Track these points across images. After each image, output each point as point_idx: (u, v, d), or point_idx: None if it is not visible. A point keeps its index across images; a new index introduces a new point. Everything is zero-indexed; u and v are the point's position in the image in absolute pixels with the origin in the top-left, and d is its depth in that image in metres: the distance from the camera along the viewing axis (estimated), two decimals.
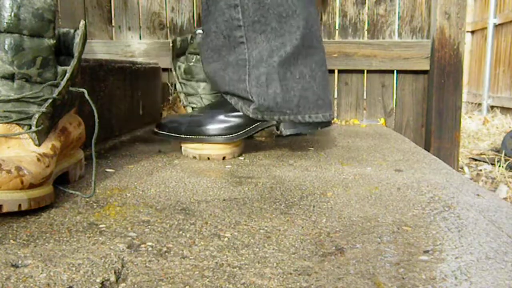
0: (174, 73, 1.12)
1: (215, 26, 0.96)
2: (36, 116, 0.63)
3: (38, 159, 0.61)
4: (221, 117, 0.97)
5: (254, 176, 0.82)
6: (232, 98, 0.98)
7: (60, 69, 0.67)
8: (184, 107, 1.12)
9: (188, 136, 0.95)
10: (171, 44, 1.13)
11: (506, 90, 3.83)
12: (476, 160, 2.06)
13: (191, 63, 1.10)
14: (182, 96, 1.09)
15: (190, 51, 1.10)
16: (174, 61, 1.14)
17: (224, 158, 0.96)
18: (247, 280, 0.42)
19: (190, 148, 0.96)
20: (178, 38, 1.13)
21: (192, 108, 1.09)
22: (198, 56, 1.09)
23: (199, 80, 1.09)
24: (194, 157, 0.96)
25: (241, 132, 0.96)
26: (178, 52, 1.15)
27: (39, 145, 0.64)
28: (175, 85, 1.17)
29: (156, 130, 0.99)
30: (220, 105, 1.00)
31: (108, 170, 0.85)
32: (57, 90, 0.66)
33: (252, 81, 0.94)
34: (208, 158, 0.96)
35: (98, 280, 0.41)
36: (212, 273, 0.44)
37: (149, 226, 0.56)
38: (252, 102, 0.95)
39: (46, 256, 0.46)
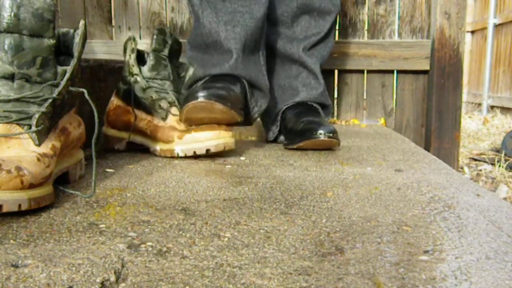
0: (133, 69, 1.02)
1: None
2: (36, 116, 0.63)
3: (38, 159, 0.61)
4: None
5: (254, 176, 0.82)
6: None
7: (60, 69, 0.67)
8: (152, 100, 1.02)
9: None
10: (134, 46, 1.04)
11: (506, 90, 3.83)
12: (476, 160, 2.06)
13: (156, 61, 1.05)
14: (152, 92, 1.02)
15: (155, 48, 1.05)
16: (133, 59, 1.04)
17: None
18: (247, 280, 0.42)
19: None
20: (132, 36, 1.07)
21: (169, 103, 1.01)
22: (161, 54, 1.05)
23: (163, 78, 1.04)
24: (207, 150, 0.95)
25: None
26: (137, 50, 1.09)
27: (39, 145, 0.64)
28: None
29: None
30: None
31: (108, 170, 0.85)
32: (57, 90, 0.66)
33: None
34: (224, 148, 0.95)
35: (98, 280, 0.41)
36: (212, 273, 0.44)
37: (149, 226, 0.56)
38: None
39: (46, 256, 0.46)
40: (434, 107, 1.60)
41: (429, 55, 1.62)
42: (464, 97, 4.41)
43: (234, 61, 1.04)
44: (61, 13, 1.78)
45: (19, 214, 0.58)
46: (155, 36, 1.03)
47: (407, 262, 0.46)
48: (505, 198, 1.47)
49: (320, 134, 1.02)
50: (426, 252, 0.49)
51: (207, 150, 0.94)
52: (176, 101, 1.01)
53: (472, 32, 4.53)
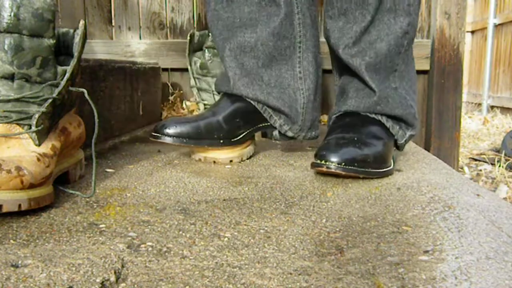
0: (189, 67, 1.11)
1: None
2: (36, 116, 0.63)
3: (38, 159, 0.61)
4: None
5: (254, 176, 0.82)
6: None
7: (60, 69, 0.67)
8: (196, 103, 1.10)
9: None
10: (188, 38, 1.10)
11: (506, 90, 3.83)
12: (476, 160, 2.06)
13: (208, 58, 1.08)
14: (195, 91, 1.07)
15: (208, 45, 1.09)
16: (191, 56, 1.12)
17: (231, 161, 0.95)
18: (247, 280, 0.42)
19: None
20: (196, 33, 1.11)
21: (204, 105, 1.06)
22: (215, 51, 1.08)
23: (214, 76, 1.08)
24: (199, 160, 0.95)
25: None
26: (195, 47, 1.13)
27: (39, 145, 0.64)
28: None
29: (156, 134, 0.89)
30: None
31: (108, 170, 0.85)
32: (57, 90, 0.66)
33: None
34: (214, 162, 0.94)
35: (98, 280, 0.41)
36: (212, 273, 0.44)
37: (149, 226, 0.56)
38: None
39: (46, 256, 0.46)
40: (434, 107, 1.60)
41: (429, 55, 1.62)
42: (464, 97, 4.41)
43: (232, 80, 0.96)
44: (61, 13, 1.78)
45: (19, 214, 0.58)
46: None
47: (407, 262, 0.46)
48: (505, 198, 1.46)
49: (325, 162, 0.79)
50: (426, 252, 0.49)
51: (214, 162, 0.94)
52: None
53: (472, 32, 4.53)
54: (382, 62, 0.90)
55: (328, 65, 1.34)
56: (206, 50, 1.09)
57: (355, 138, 0.83)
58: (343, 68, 0.98)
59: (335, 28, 0.93)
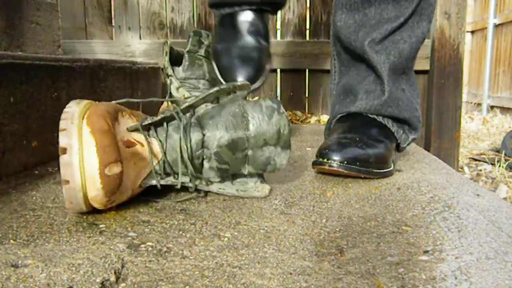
0: (168, 71, 1.09)
1: None
2: None
3: None
4: None
5: None
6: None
7: None
8: (184, 99, 1.09)
9: None
10: (167, 49, 1.09)
11: (506, 90, 3.83)
12: (476, 160, 2.06)
13: (190, 61, 1.10)
14: (184, 91, 1.08)
15: (190, 49, 1.10)
16: (167, 61, 1.11)
17: None
18: (247, 280, 0.42)
19: None
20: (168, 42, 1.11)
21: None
22: (196, 54, 1.09)
23: (198, 77, 1.09)
24: None
25: None
26: (175, 58, 1.13)
27: None
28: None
29: None
30: None
31: None
32: None
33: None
34: None
35: (98, 280, 0.41)
36: (212, 273, 0.44)
37: (149, 226, 0.56)
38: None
39: (46, 256, 0.46)
40: (434, 107, 1.60)
41: (429, 55, 1.62)
42: (464, 97, 4.41)
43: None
44: (61, 13, 1.78)
45: (19, 214, 0.58)
46: (190, 38, 1.08)
47: (407, 262, 0.46)
48: (505, 198, 1.46)
49: (327, 160, 0.78)
50: (426, 252, 0.49)
51: None
52: None
53: (472, 32, 4.53)
54: (402, 63, 0.90)
55: (327, 65, 1.34)
56: (188, 54, 1.09)
57: (357, 139, 0.82)
58: (352, 65, 0.94)
59: (356, 20, 0.90)
